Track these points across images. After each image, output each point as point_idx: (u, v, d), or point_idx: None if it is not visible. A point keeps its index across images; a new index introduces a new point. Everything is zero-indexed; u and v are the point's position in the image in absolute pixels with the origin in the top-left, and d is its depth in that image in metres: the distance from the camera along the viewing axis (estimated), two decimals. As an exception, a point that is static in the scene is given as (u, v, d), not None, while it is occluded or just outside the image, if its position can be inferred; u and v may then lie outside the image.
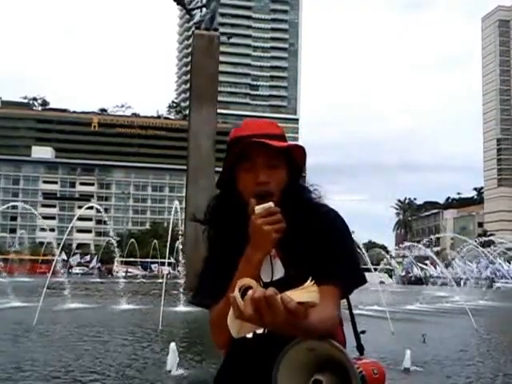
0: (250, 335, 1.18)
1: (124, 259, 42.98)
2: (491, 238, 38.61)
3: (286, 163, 1.27)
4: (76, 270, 47.41)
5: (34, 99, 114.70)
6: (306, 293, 1.00)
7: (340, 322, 1.28)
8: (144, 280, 30.32)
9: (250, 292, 0.95)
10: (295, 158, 1.28)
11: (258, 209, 1.16)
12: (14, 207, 60.27)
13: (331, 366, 1.07)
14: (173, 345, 5.95)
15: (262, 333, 1.20)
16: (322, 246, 1.22)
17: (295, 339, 1.06)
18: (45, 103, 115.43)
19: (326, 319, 1.09)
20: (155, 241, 40.28)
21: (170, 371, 5.76)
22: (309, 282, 1.02)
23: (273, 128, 1.29)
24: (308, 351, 1.07)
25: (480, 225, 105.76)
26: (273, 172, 1.24)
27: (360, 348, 1.31)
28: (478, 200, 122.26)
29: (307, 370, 1.08)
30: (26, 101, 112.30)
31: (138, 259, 46.36)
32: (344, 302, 1.31)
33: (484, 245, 31.26)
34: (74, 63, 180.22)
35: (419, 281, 45.43)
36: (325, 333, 1.07)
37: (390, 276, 45.82)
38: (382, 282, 41.10)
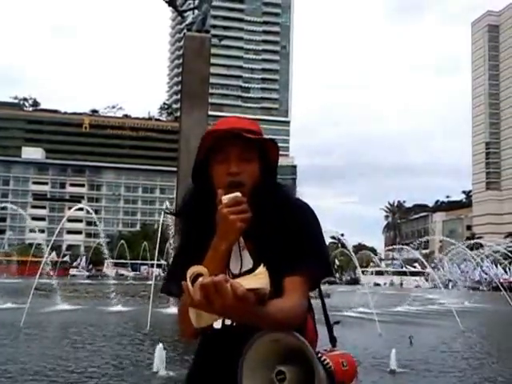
0: (218, 326, 1.21)
1: (114, 261, 42.75)
2: (479, 240, 38.97)
3: (259, 158, 1.28)
4: (73, 271, 47.14)
5: (25, 99, 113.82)
6: (257, 279, 1.01)
7: (311, 314, 1.29)
8: (134, 281, 30.19)
9: (200, 279, 0.96)
10: (269, 153, 1.30)
11: (225, 198, 1.18)
12: (4, 208, 59.72)
13: (296, 358, 1.07)
14: (160, 346, 5.98)
15: (230, 324, 1.21)
16: (291, 239, 1.23)
17: (260, 331, 1.07)
18: (35, 104, 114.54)
19: (288, 309, 1.10)
20: (145, 242, 40.14)
21: (156, 372, 5.79)
22: (260, 268, 1.04)
23: (250, 124, 1.29)
24: (272, 343, 1.07)
25: (468, 228, 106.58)
26: (245, 164, 1.25)
27: (332, 340, 1.32)
28: (466, 203, 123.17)
29: (272, 362, 1.08)
30: (16, 101, 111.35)
31: (128, 261, 46.14)
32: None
33: (472, 248, 31.53)
34: (66, 64, 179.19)
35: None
36: (288, 323, 1.08)
37: (427, 280, 44.91)
38: (418, 286, 40.56)
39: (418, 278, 42.41)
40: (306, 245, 1.23)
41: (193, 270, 1.01)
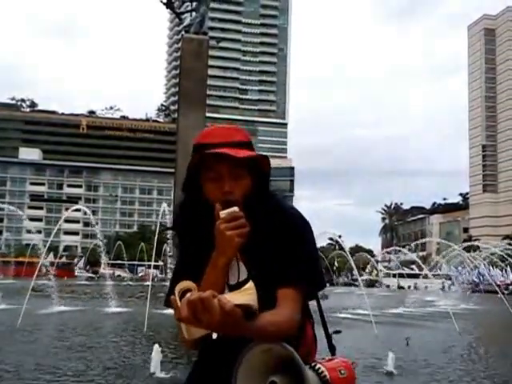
0: (215, 336, 1.22)
1: (111, 262, 42.62)
2: (476, 243, 38.92)
3: (250, 171, 1.28)
4: (80, 272, 46.91)
5: (22, 100, 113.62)
6: (245, 295, 1.03)
7: (311, 322, 1.31)
8: (131, 282, 30.15)
9: (187, 294, 0.98)
10: (260, 165, 1.29)
11: (223, 214, 1.19)
12: (1, 209, 59.60)
13: (287, 368, 1.08)
14: (157, 347, 5.97)
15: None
16: (285, 250, 1.24)
17: (252, 342, 1.08)
18: (33, 105, 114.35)
19: (279, 322, 1.11)
20: (142, 243, 40.10)
21: (153, 373, 5.79)
22: (249, 284, 1.07)
23: (238, 135, 1.28)
24: (264, 353, 1.09)
25: (465, 230, 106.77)
26: (237, 181, 1.25)
27: (331, 348, 1.34)
28: (463, 205, 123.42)
29: (264, 373, 1.10)
30: (14, 102, 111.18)
31: (125, 262, 46.06)
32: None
33: (469, 250, 31.56)
34: (64, 65, 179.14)
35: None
36: (279, 335, 1.08)
37: (453, 283, 42.75)
38: (443, 289, 39.08)
39: (444, 280, 41.00)
40: (298, 257, 1.24)
41: (181, 285, 1.03)
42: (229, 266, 1.25)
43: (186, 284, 1.04)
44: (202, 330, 1.02)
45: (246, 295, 1.04)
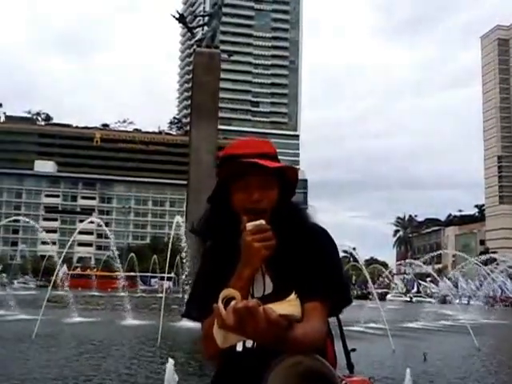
0: (239, 348, 1.21)
1: (124, 273, 42.64)
2: (493, 255, 38.18)
3: (278, 182, 1.29)
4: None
5: (38, 114, 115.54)
6: (289, 306, 1.05)
7: (331, 339, 1.31)
8: (144, 294, 30.14)
9: (232, 302, 0.99)
10: (288, 177, 1.31)
11: (250, 226, 1.19)
12: (16, 220, 60.32)
13: (316, 381, 1.09)
14: (171, 361, 5.90)
15: (251, 346, 1.22)
16: (311, 265, 1.24)
17: (281, 355, 1.09)
18: (48, 118, 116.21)
19: (311, 334, 1.12)
20: (155, 255, 40.17)
21: (168, 387, 5.70)
22: (292, 295, 1.07)
23: (266, 147, 1.31)
24: (294, 366, 1.09)
25: (482, 242, 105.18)
26: (265, 191, 1.27)
27: (350, 366, 1.35)
28: (479, 217, 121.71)
29: None
30: (29, 115, 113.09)
31: (138, 273, 46.17)
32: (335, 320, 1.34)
33: (486, 263, 30.98)
34: (78, 79, 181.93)
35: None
36: (310, 347, 1.11)
37: None
38: None
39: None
40: (326, 272, 1.25)
41: (225, 293, 1.05)
42: (254, 279, 1.25)
43: (229, 292, 1.05)
44: (236, 338, 1.03)
45: (290, 306, 1.04)
